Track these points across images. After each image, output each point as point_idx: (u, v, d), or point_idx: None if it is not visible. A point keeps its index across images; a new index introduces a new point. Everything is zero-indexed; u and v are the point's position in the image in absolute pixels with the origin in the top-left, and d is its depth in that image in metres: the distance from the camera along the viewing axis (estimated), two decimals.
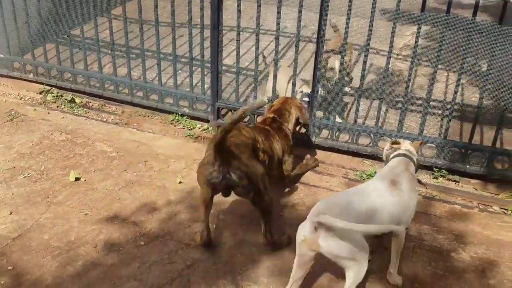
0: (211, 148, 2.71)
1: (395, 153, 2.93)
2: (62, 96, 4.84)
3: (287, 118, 3.52)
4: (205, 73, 4.36)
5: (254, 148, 3.00)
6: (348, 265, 2.44)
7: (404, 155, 2.88)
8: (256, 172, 2.81)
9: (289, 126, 3.54)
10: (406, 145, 2.96)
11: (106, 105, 4.75)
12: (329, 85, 4.23)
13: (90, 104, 4.78)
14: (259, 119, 3.73)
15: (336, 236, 2.36)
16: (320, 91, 4.14)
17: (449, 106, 3.79)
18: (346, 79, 4.28)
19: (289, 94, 4.06)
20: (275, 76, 4.19)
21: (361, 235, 2.43)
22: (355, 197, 2.62)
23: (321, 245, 2.39)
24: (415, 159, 2.91)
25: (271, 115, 3.47)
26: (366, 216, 2.50)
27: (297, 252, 2.55)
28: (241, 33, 4.13)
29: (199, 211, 3.03)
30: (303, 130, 4.07)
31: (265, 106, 3.72)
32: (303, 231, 2.47)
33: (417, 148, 3.02)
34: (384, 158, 3.08)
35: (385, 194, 2.64)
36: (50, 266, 2.91)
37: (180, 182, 3.66)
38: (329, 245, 2.38)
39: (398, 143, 2.99)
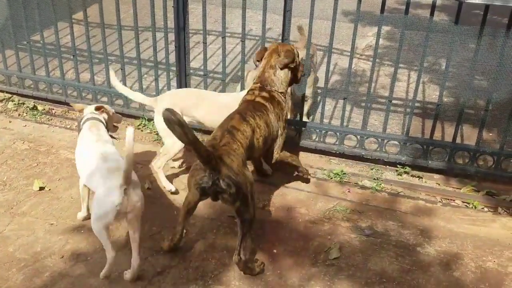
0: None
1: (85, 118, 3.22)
2: (23, 103, 4.72)
3: (274, 80, 3.21)
4: (171, 77, 4.33)
5: (251, 143, 2.96)
6: None
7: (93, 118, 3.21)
8: (246, 182, 2.76)
9: (280, 89, 3.24)
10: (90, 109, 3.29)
11: (70, 111, 4.66)
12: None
13: (53, 111, 4.68)
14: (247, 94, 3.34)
15: None
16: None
17: (410, 104, 3.89)
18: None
19: None
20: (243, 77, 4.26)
21: None
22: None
23: None
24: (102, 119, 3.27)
25: (257, 85, 3.23)
26: None
27: None
28: (206, 36, 4.13)
29: (179, 214, 3.00)
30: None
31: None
32: None
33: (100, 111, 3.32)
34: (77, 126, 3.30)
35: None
36: (16, 279, 2.83)
37: (148, 188, 3.62)
38: None
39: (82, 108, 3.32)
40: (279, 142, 3.34)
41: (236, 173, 2.69)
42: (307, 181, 3.75)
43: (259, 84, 3.25)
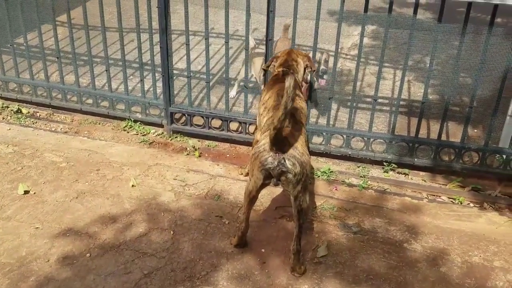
0: (269, 139, 2.71)
1: None
2: (7, 107, 4.67)
3: (296, 68, 3.26)
4: (157, 78, 4.32)
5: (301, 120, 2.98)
6: None
7: None
8: (308, 162, 2.81)
9: (299, 77, 3.28)
10: None
11: (55, 114, 4.62)
12: None
13: (38, 114, 4.63)
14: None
15: None
16: None
17: (395, 102, 3.91)
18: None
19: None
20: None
21: None
22: None
23: None
24: None
25: (281, 69, 3.22)
26: None
27: None
28: (192, 37, 4.12)
29: (243, 205, 3.01)
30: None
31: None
32: None
33: None
34: None
35: None
36: (1, 284, 2.79)
37: (133, 186, 3.61)
38: None
39: None
40: None
41: (301, 152, 2.74)
42: None
43: (282, 69, 3.24)
